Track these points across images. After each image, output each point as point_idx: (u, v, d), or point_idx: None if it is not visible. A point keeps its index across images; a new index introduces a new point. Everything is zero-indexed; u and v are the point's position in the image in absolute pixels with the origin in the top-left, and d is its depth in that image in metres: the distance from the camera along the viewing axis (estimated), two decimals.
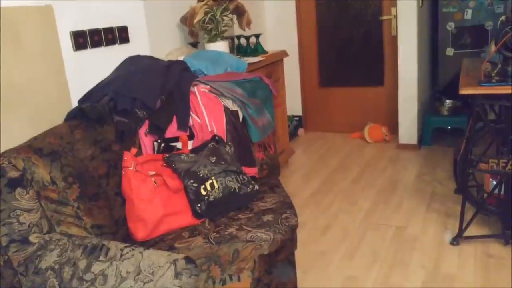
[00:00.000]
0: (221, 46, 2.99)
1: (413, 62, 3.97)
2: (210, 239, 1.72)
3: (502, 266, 2.32)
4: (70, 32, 2.14)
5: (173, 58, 2.73)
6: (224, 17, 3.04)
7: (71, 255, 1.43)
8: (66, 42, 2.13)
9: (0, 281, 1.47)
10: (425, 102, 4.39)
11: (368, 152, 4.21)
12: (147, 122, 2.09)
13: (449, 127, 4.35)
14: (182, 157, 1.97)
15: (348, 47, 4.61)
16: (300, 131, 4.83)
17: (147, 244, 1.75)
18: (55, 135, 1.73)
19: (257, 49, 3.58)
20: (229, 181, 1.96)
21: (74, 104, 2.12)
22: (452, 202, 3.05)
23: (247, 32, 3.51)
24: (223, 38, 3.04)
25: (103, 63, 2.31)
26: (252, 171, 2.26)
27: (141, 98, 2.06)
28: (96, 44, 2.29)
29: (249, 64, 3.00)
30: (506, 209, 2.47)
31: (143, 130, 2.09)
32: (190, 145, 2.16)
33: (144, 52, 2.54)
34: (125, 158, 1.86)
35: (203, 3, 2.94)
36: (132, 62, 2.35)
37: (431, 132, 4.20)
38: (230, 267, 1.62)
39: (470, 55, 4.06)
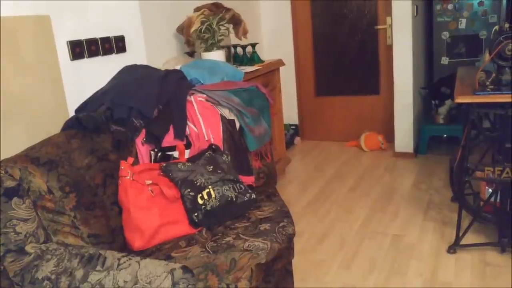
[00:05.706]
0: (217, 55, 3.00)
1: (408, 71, 3.99)
2: (207, 248, 1.72)
3: (499, 274, 2.32)
4: (67, 42, 2.15)
5: (169, 67, 2.74)
6: (221, 27, 3.05)
7: (68, 265, 1.42)
8: (63, 52, 2.14)
9: None
10: (421, 110, 4.42)
11: (365, 160, 4.21)
12: (143, 131, 2.09)
13: (444, 136, 4.37)
14: (179, 166, 1.97)
15: (344, 56, 4.63)
16: (297, 139, 4.84)
17: (144, 253, 1.74)
18: (52, 144, 1.73)
19: (253, 58, 3.59)
20: (226, 190, 1.96)
21: (71, 113, 2.12)
22: (449, 210, 3.05)
23: (244, 42, 3.53)
24: (219, 48, 3.06)
25: (100, 72, 2.31)
26: (249, 179, 2.26)
27: (138, 107, 2.06)
28: (93, 53, 2.30)
29: (246, 73, 3.01)
30: (502, 217, 2.48)
31: (139, 139, 2.08)
32: (187, 154, 2.16)
33: (141, 62, 2.55)
34: (122, 167, 1.86)
35: (200, 12, 2.96)
36: (129, 71, 2.35)
37: (427, 141, 4.21)
38: (227, 276, 1.62)
39: (464, 64, 4.10)
